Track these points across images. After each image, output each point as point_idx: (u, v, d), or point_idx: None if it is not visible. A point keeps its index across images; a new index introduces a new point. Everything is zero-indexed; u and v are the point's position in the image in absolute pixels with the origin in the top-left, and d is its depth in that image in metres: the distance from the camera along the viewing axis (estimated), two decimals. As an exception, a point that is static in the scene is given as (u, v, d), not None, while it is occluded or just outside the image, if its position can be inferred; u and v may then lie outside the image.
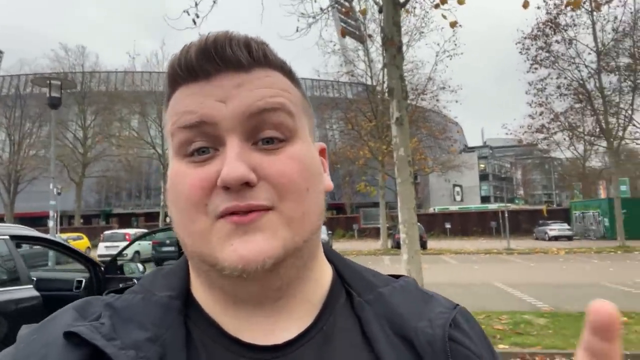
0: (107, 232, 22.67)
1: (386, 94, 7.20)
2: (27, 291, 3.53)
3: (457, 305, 0.54)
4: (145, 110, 35.82)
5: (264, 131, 0.46)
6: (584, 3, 20.82)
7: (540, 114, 25.52)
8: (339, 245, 29.14)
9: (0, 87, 49.12)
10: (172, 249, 15.71)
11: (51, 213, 9.15)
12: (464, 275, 14.18)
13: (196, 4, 8.16)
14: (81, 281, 4.45)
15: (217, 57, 0.45)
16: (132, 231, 22.18)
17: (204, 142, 0.45)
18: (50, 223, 9.16)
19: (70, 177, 37.08)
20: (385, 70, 7.38)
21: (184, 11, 8.11)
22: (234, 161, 0.43)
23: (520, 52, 23.80)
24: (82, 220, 41.78)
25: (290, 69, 0.52)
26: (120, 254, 4.87)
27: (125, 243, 20.04)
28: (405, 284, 0.55)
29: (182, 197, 0.45)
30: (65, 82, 9.78)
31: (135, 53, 71.29)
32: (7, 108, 36.15)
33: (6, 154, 35.57)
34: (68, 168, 36.45)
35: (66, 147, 36.30)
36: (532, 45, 23.70)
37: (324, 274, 0.54)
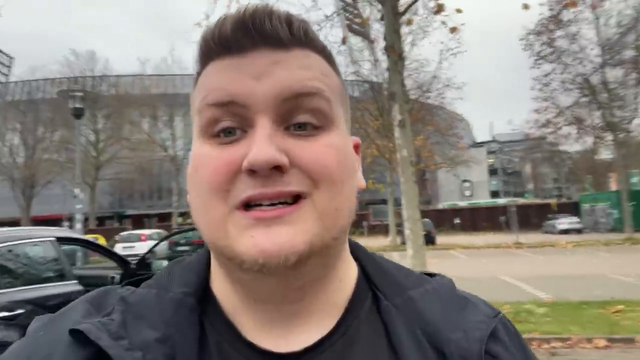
0: (123, 233, 23.31)
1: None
2: (72, 286, 4.00)
3: (499, 313, 0.50)
4: (156, 113, 36.51)
5: (298, 115, 0.43)
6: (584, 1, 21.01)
7: (546, 109, 25.71)
8: (349, 243, 29.58)
9: (12, 92, 50.16)
10: (186, 248, 16.30)
11: (77, 216, 9.73)
12: (471, 269, 14.54)
13: (207, 17, 8.63)
14: (114, 277, 4.93)
15: (254, 31, 0.43)
16: (147, 232, 22.80)
17: (231, 122, 0.43)
18: (78, 225, 9.73)
19: (84, 180, 37.93)
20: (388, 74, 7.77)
21: (196, 24, 8.58)
22: (263, 143, 0.40)
23: (524, 49, 24.01)
24: (96, 222, 42.67)
25: (331, 54, 0.49)
26: (150, 252, 5.36)
27: (140, 244, 20.70)
28: (439, 286, 0.51)
29: (204, 182, 0.42)
30: (87, 93, 10.33)
31: (145, 58, 72.35)
32: (20, 113, 37.04)
33: (21, 159, 36.42)
34: (82, 171, 37.28)
35: (79, 150, 37.15)
36: (536, 41, 23.90)
37: (349, 273, 0.50)
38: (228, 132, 0.42)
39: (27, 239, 3.95)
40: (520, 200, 47.41)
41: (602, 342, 5.57)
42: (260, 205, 0.40)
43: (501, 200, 47.86)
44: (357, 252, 0.53)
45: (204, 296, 0.47)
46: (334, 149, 0.43)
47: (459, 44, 24.96)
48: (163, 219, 47.68)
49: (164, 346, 0.41)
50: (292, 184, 0.40)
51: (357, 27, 15.01)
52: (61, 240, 4.23)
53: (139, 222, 47.66)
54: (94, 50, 44.67)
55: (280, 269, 0.40)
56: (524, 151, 68.75)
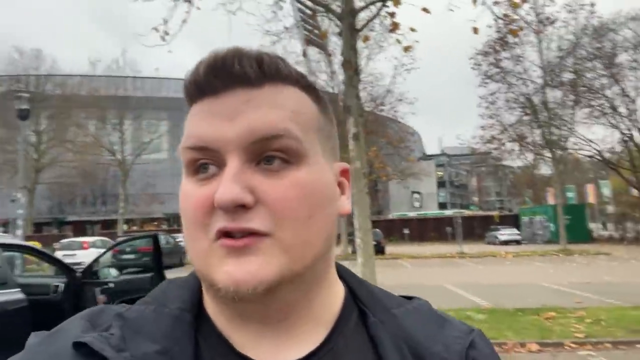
0: (64, 241, 22.20)
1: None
2: (14, 294, 3.87)
3: (474, 329, 0.54)
4: (104, 115, 35.20)
5: (267, 153, 0.45)
6: (530, 24, 22.41)
7: (491, 126, 27.07)
8: (301, 251, 29.65)
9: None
10: (131, 256, 15.78)
11: (19, 221, 9.24)
12: (417, 277, 15.02)
13: (165, 22, 8.56)
14: (57, 286, 4.78)
15: (224, 73, 0.45)
16: (90, 239, 21.81)
17: (207, 160, 0.45)
18: (19, 231, 9.23)
19: (23, 183, 35.92)
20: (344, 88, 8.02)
21: (153, 28, 8.49)
22: (228, 182, 0.42)
23: (472, 68, 25.22)
24: (33, 228, 40.33)
25: (309, 83, 0.50)
26: (96, 260, 5.20)
27: (82, 252, 19.79)
28: (418, 306, 0.55)
29: (187, 216, 0.46)
30: (34, 94, 9.91)
31: (96, 59, 69.50)
32: (-46, 111, 34.66)
33: (-47, 159, 34.03)
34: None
35: (17, 152, 35.18)
36: (483, 61, 25.18)
37: (336, 293, 0.52)
38: (204, 167, 0.46)
39: (-33, 244, 3.80)
40: (466, 212, 49.36)
41: (535, 347, 5.99)
42: (232, 236, 0.43)
43: (448, 212, 49.59)
44: (343, 274, 0.56)
45: (198, 313, 0.49)
46: (300, 186, 0.45)
47: (413, 60, 25.92)
48: (107, 226, 45.73)
49: (165, 358, 0.43)
50: (255, 221, 0.43)
51: (316, 40, 15.29)
52: (3, 246, 4.08)
53: (80, 229, 45.45)
54: (40, 49, 42.62)
55: (251, 297, 0.42)
56: (470, 165, 71.84)
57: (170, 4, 8.60)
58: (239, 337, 0.48)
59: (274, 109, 0.45)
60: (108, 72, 38.86)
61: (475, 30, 7.85)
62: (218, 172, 0.45)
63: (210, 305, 0.50)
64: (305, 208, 0.44)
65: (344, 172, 0.54)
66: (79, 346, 0.43)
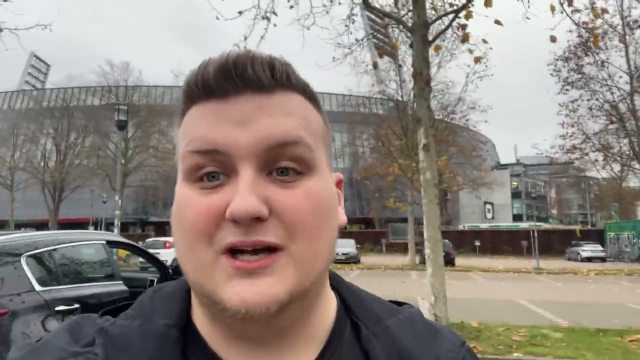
0: (148, 240, 23.99)
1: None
2: (119, 286, 4.41)
3: (465, 342, 0.54)
4: (184, 123, 37.52)
5: (280, 162, 0.43)
6: (615, 28, 21.04)
7: (572, 135, 25.57)
8: (367, 259, 29.68)
9: (48, 98, 52.22)
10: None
11: (116, 222, 10.30)
12: (489, 291, 14.55)
13: (245, 38, 9.16)
14: (153, 280, 5.33)
15: (237, 77, 0.43)
16: (171, 239, 23.17)
17: (215, 167, 0.43)
18: (115, 230, 10.26)
19: (112, 186, 39.03)
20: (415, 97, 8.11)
21: (235, 45, 9.10)
22: (246, 193, 0.40)
23: (551, 74, 24.04)
24: (120, 228, 43.60)
25: (313, 93, 0.49)
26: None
27: (165, 251, 21.25)
28: (410, 315, 0.54)
29: (187, 225, 0.43)
30: (130, 106, 10.97)
31: (178, 71, 74.24)
32: (55, 119, 38.53)
33: (52, 163, 37.75)
34: (110, 178, 38.44)
35: (108, 157, 38.36)
36: (563, 67, 23.92)
37: (329, 306, 0.52)
38: (212, 176, 0.43)
39: (83, 241, 4.39)
40: (544, 225, 46.69)
41: (616, 369, 5.69)
42: (243, 252, 0.41)
43: (523, 224, 47.19)
44: (336, 283, 0.55)
45: (186, 328, 0.47)
46: (312, 196, 0.44)
47: (486, 67, 25.23)
48: (185, 227, 48.44)
49: None
50: (269, 234, 0.41)
51: (387, 50, 15.48)
52: (110, 243, 4.65)
53: (161, 229, 48.63)
54: (128, 62, 46.72)
55: (263, 317, 0.41)
56: (549, 175, 67.95)
57: (250, 21, 9.20)
58: (232, 355, 0.46)
59: (286, 116, 0.44)
60: (189, 83, 41.34)
61: (553, 39, 7.65)
62: (226, 181, 0.43)
63: (201, 320, 0.48)
64: (316, 218, 0.44)
65: (339, 183, 0.54)
66: None
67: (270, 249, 0.41)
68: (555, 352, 6.24)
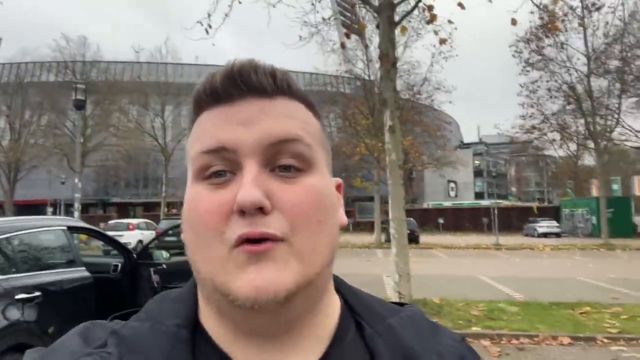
0: (110, 222, 23.42)
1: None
2: (81, 272, 4.32)
3: (464, 338, 0.57)
4: (147, 101, 36.42)
5: (282, 159, 0.46)
6: (574, 10, 21.64)
7: (531, 115, 26.40)
8: (334, 238, 29.97)
9: (0, 74, 49.45)
10: (173, 238, 16.49)
11: (76, 204, 9.97)
12: (451, 268, 15.07)
13: (209, 15, 8.91)
14: (117, 265, 5.24)
15: (241, 82, 0.47)
16: (135, 221, 22.92)
17: (222, 165, 0.46)
18: (76, 213, 9.94)
19: (70, 166, 37.60)
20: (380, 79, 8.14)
21: (198, 22, 8.86)
22: (249, 185, 0.43)
23: (513, 55, 24.59)
24: (80, 209, 42.31)
25: (312, 102, 0.53)
26: (151, 242, 5.66)
27: (128, 232, 20.86)
28: (412, 314, 0.56)
29: (199, 222, 0.45)
30: (89, 83, 10.53)
31: (139, 47, 71.65)
32: (8, 96, 36.61)
33: (5, 142, 36.02)
34: (68, 157, 36.97)
35: (66, 135, 36.84)
36: (525, 48, 24.50)
37: (333, 306, 0.53)
38: (219, 174, 0.46)
39: (42, 227, 4.25)
40: (504, 203, 48.39)
41: (566, 340, 6.06)
42: (249, 241, 0.44)
43: (485, 202, 48.77)
44: (338, 285, 0.57)
45: (195, 328, 0.49)
46: (313, 191, 0.47)
47: (451, 47, 25.51)
48: (148, 208, 47.61)
49: None
50: (272, 227, 0.44)
51: (354, 29, 15.37)
52: (71, 229, 4.53)
53: (123, 210, 47.53)
54: (85, 36, 44.68)
55: (271, 305, 0.43)
56: (509, 154, 70.11)
57: (214, -2, 8.94)
58: (239, 353, 0.48)
59: (287, 118, 0.48)
60: (151, 59, 40.04)
61: (514, 22, 7.81)
62: (233, 178, 0.46)
63: (210, 320, 0.50)
64: (316, 213, 0.46)
65: (338, 187, 0.57)
66: None
67: (273, 241, 0.44)
68: (511, 325, 6.58)
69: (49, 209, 37.32)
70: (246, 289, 0.42)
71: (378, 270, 13.48)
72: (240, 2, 9.09)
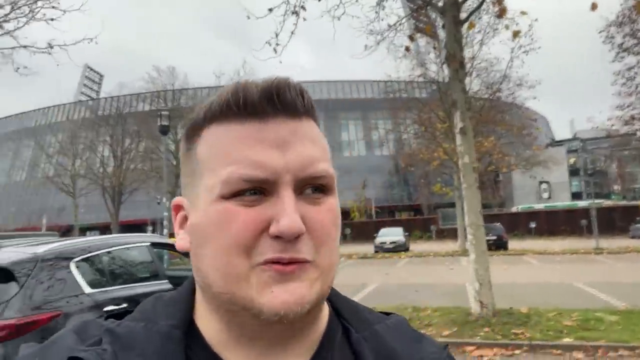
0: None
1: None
2: (164, 285, 4.66)
3: (447, 346, 0.58)
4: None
5: (310, 186, 0.48)
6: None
7: (629, 105, 23.99)
8: (417, 247, 29.34)
9: (103, 107, 54.98)
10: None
11: (165, 222, 10.85)
12: (543, 275, 14.04)
13: (276, 35, 9.26)
14: (197, 278, 5.58)
15: (278, 100, 0.47)
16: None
17: (257, 185, 0.46)
18: (165, 230, 10.80)
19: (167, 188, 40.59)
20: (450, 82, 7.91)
21: (266, 42, 9.24)
22: (292, 214, 0.44)
23: (604, 42, 22.63)
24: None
25: (316, 114, 0.53)
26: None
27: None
28: (397, 322, 0.58)
29: (229, 237, 0.45)
30: (172, 111, 11.42)
31: (220, 72, 76.00)
32: (110, 127, 40.57)
33: (110, 168, 39.80)
34: (164, 179, 39.88)
35: (161, 159, 39.94)
36: (617, 32, 22.43)
37: (322, 312, 0.55)
38: (252, 192, 0.46)
39: (129, 244, 4.67)
40: (605, 202, 44.25)
41: (676, 353, 5.39)
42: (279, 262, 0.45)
43: (582, 203, 44.91)
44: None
45: (189, 330, 0.50)
46: (332, 212, 0.49)
47: (532, 40, 24.06)
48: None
49: None
50: (303, 251, 0.45)
51: (423, 30, 15.12)
52: (154, 245, 4.91)
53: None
54: (174, 66, 48.58)
55: (296, 319, 0.45)
56: (609, 149, 64.08)
57: (279, 18, 9.28)
58: (231, 355, 0.49)
59: (314, 145, 0.49)
60: (230, 82, 42.25)
61: (594, 6, 7.22)
62: (264, 198, 0.47)
63: (205, 322, 0.51)
64: (335, 231, 0.49)
65: None
66: None
67: (301, 263, 0.46)
68: (609, 336, 5.98)
69: (149, 228, 40.51)
70: (274, 304, 0.44)
71: (461, 279, 12.95)
72: (304, 19, 9.35)
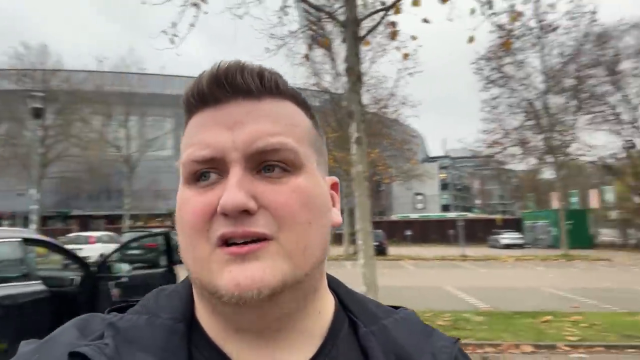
0: (70, 235, 22.62)
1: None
2: (37, 286, 4.12)
3: (458, 339, 0.56)
4: (110, 111, 35.55)
5: (267, 162, 0.47)
6: (531, 30, 22.58)
7: (493, 130, 27.24)
8: (303, 251, 29.85)
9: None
10: (137, 252, 16.00)
11: (33, 217, 9.54)
12: (418, 279, 15.24)
13: (174, 25, 8.80)
14: (73, 279, 5.03)
15: (227, 84, 0.47)
16: (96, 234, 22.19)
17: (209, 167, 0.47)
18: (33, 226, 9.52)
19: (30, 177, 36.13)
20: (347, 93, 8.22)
21: (162, 31, 8.73)
22: (233, 189, 0.43)
23: (474, 72, 25.41)
24: (40, 222, 40.65)
25: (304, 100, 0.53)
26: (110, 255, 5.45)
27: (89, 246, 20.11)
28: (406, 316, 0.56)
29: (186, 223, 0.46)
30: (49, 92, 10.19)
31: (102, 56, 69.77)
32: (-38, 104, 35.04)
33: (-41, 152, 34.36)
34: (28, 168, 35.51)
35: (26, 146, 35.44)
36: (486, 66, 25.35)
37: (327, 305, 0.53)
38: (205, 176, 0.47)
39: (-6, 239, 4.05)
40: (469, 215, 49.49)
41: (529, 348, 6.20)
42: (235, 243, 0.44)
43: (451, 214, 49.75)
44: (333, 284, 0.58)
45: (190, 323, 0.50)
46: (300, 192, 0.47)
47: (416, 64, 26.08)
48: (111, 221, 46.16)
49: None
50: (259, 225, 0.44)
51: (321, 41, 15.52)
52: (27, 241, 4.33)
53: (84, 223, 45.91)
54: (46, 44, 43.19)
55: (255, 302, 0.43)
56: (473, 168, 71.88)
57: (179, 8, 8.84)
58: (233, 348, 0.48)
59: (271, 122, 0.48)
60: (115, 69, 39.18)
61: (471, 40, 8.05)
62: (219, 180, 0.47)
63: (204, 316, 0.50)
64: (305, 213, 0.46)
65: (334, 186, 0.57)
66: (74, 356, 0.44)
67: (260, 240, 0.44)
68: (476, 334, 6.69)
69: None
70: (228, 285, 0.43)
71: (346, 282, 13.46)
72: (205, 13, 9.03)
